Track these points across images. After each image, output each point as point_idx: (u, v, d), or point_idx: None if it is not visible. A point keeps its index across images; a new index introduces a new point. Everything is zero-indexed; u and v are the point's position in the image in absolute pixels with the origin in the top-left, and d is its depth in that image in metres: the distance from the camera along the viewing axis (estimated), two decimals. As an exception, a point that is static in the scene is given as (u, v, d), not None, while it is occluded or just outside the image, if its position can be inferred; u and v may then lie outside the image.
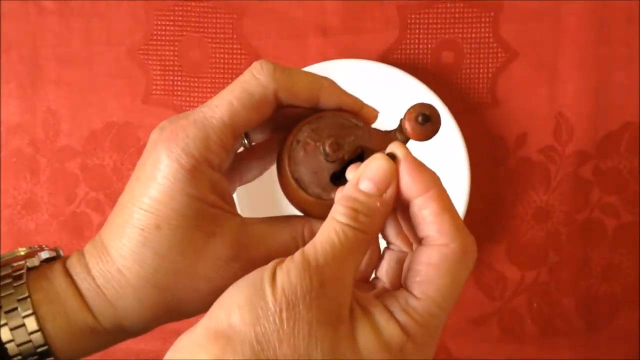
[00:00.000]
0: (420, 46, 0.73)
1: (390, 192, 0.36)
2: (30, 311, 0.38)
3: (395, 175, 0.36)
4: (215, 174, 0.40)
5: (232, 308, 0.33)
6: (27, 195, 0.75)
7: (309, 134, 0.41)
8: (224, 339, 0.33)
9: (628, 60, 0.71)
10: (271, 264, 0.34)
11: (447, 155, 0.69)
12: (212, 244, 0.39)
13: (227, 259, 0.40)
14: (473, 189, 0.68)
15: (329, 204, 0.39)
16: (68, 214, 0.75)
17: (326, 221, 0.36)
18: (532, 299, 0.72)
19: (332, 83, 0.42)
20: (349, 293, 0.34)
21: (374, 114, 0.43)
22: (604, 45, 0.71)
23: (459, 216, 0.36)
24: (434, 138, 0.68)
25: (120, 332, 0.41)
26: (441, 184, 0.37)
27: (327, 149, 0.40)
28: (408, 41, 0.73)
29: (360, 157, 0.41)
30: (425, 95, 0.69)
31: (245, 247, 0.40)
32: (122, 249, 0.39)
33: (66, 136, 0.75)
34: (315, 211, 0.41)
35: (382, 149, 0.39)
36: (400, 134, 0.39)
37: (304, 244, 0.40)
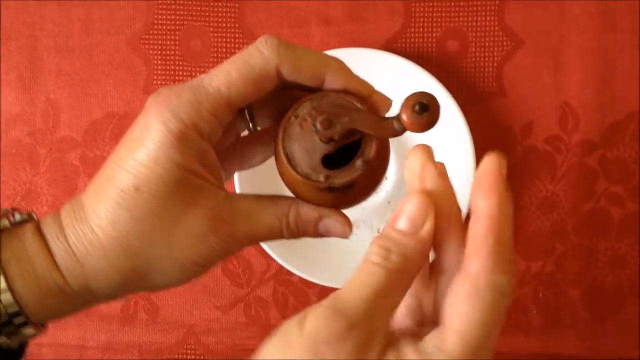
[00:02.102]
0: (425, 35, 0.72)
1: (427, 228, 0.35)
2: None
3: (431, 210, 0.35)
4: (203, 143, 0.38)
5: (264, 351, 0.33)
6: (26, 186, 0.74)
7: (308, 110, 0.39)
8: None
9: (633, 49, 0.70)
10: (306, 309, 0.33)
11: (453, 144, 0.69)
12: (191, 214, 0.38)
13: (204, 232, 0.39)
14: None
15: (317, 186, 0.38)
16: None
17: (361, 262, 0.34)
18: (537, 290, 0.72)
19: (340, 64, 0.40)
20: (379, 335, 0.33)
21: (386, 103, 0.41)
22: (609, 33, 0.70)
23: (503, 245, 0.33)
24: (437, 127, 0.67)
25: (89, 295, 0.39)
26: (499, 209, 0.34)
27: (318, 125, 0.38)
28: (413, 30, 0.72)
29: (357, 142, 0.39)
30: (430, 84, 0.68)
31: (226, 222, 0.39)
32: (98, 208, 0.38)
33: (66, 127, 0.74)
34: (303, 191, 0.40)
35: (376, 135, 0.38)
36: (397, 123, 0.37)
37: (289, 226, 0.40)
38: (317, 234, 0.41)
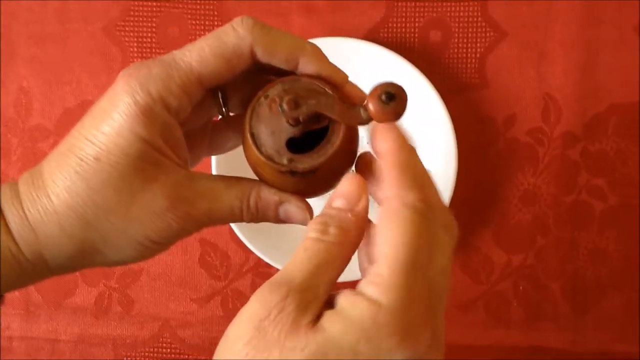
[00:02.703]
0: (407, 24, 0.71)
1: (362, 204, 0.36)
2: None
3: (364, 188, 0.36)
4: (170, 118, 0.38)
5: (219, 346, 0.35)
6: (-2, 177, 0.73)
7: (278, 92, 0.39)
8: None
9: (616, 42, 0.70)
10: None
11: (435, 136, 0.68)
12: (150, 189, 0.38)
13: (162, 208, 0.38)
14: (460, 171, 0.67)
15: (279, 169, 0.38)
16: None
17: (302, 240, 0.36)
18: (518, 283, 0.71)
19: (316, 48, 0.40)
20: (319, 300, 0.34)
21: (358, 94, 0.41)
22: (593, 26, 0.70)
23: (409, 170, 0.35)
24: (419, 118, 0.67)
25: (43, 265, 0.39)
26: (403, 146, 0.36)
27: (285, 105, 0.38)
28: (395, 19, 0.71)
29: (326, 130, 0.39)
30: (412, 74, 0.67)
31: (185, 201, 0.39)
32: (56, 175, 0.37)
33: (39, 115, 0.72)
34: (266, 173, 0.40)
35: (342, 121, 0.38)
36: (364, 112, 0.37)
37: (249, 208, 0.40)
38: (278, 218, 0.41)
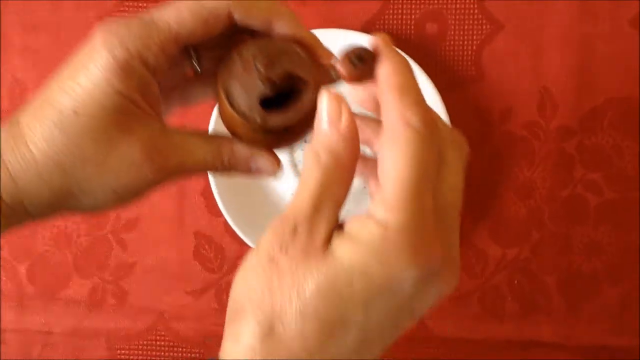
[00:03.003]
0: (404, 17, 0.71)
1: (345, 118, 0.36)
2: None
3: (343, 101, 0.37)
4: (147, 74, 0.39)
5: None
6: (-10, 168, 0.72)
7: (253, 51, 0.40)
8: None
9: (613, 35, 0.70)
10: None
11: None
12: (126, 141, 0.39)
13: (139, 160, 0.40)
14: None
15: (252, 126, 0.39)
16: (34, 187, 0.72)
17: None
18: (513, 277, 0.71)
19: (290, 12, 0.42)
20: (326, 224, 0.35)
21: (329, 56, 0.42)
22: (589, 20, 0.70)
23: (408, 92, 0.35)
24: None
25: (21, 211, 0.40)
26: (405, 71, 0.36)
27: (259, 64, 0.39)
28: (391, 11, 0.71)
29: (298, 91, 0.40)
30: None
31: (161, 153, 0.40)
32: (34, 126, 0.39)
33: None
34: (238, 130, 0.41)
35: (313, 81, 0.39)
36: (334, 72, 0.39)
37: (222, 165, 0.42)
38: (249, 171, 0.43)
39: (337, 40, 0.67)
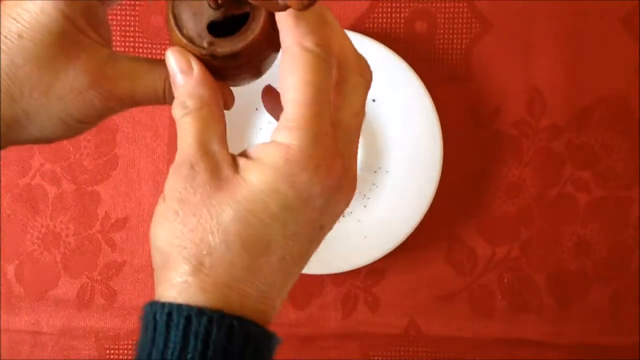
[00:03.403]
0: (393, 15, 0.70)
1: (195, 68, 0.39)
2: None
3: (185, 53, 0.39)
4: (94, 1, 0.39)
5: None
6: (-23, 167, 0.72)
7: None
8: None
9: (602, 34, 0.70)
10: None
11: (420, 127, 0.68)
12: (72, 67, 0.39)
13: (85, 86, 0.39)
14: (445, 162, 0.67)
15: (200, 51, 0.39)
16: (22, 186, 0.72)
17: None
18: (502, 275, 0.71)
19: None
20: (222, 157, 0.37)
21: None
22: (579, 18, 0.70)
23: (305, 17, 0.37)
24: (405, 108, 0.67)
25: None
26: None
27: None
28: (380, 9, 0.70)
29: (247, 15, 0.39)
30: (398, 65, 0.67)
31: (108, 79, 0.40)
32: None
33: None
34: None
35: (262, 5, 0.38)
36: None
37: (170, 90, 0.41)
38: None
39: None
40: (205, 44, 0.39)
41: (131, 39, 0.71)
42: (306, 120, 0.35)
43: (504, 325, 0.72)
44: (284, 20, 0.37)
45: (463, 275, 0.72)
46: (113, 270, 0.72)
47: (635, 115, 0.70)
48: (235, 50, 0.39)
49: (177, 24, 0.39)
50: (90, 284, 0.72)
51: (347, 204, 0.39)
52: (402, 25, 0.70)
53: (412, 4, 0.70)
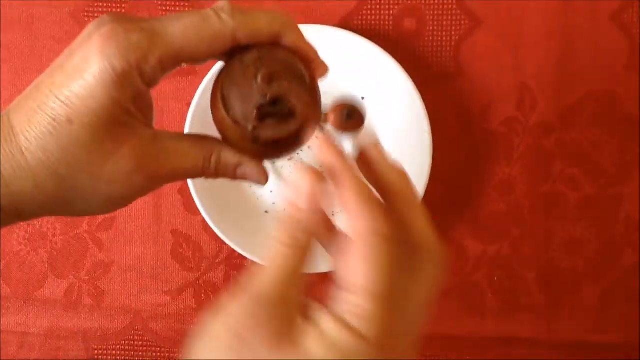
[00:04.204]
0: (382, 12, 0.70)
1: (316, 203, 0.38)
2: None
3: (305, 186, 0.38)
4: (143, 86, 0.39)
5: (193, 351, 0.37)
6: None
7: (255, 60, 0.40)
8: None
9: (592, 31, 0.70)
10: (224, 300, 0.36)
11: (409, 125, 0.67)
12: (119, 151, 0.39)
13: (132, 169, 0.40)
14: (435, 160, 0.66)
15: (244, 134, 0.40)
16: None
17: (269, 245, 0.38)
18: (493, 273, 0.71)
19: (293, 22, 0.42)
20: (293, 313, 0.36)
21: (324, 69, 0.44)
22: (569, 15, 0.70)
23: (369, 198, 0.37)
24: (395, 106, 0.67)
25: (13, 213, 0.40)
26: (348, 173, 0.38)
27: (260, 78, 0.40)
28: (369, 6, 0.70)
29: (287, 111, 0.41)
30: (387, 62, 0.67)
31: (152, 161, 0.41)
32: (29, 133, 0.38)
33: (6, 103, 0.69)
34: (230, 135, 0.41)
35: (305, 113, 0.40)
36: (323, 117, 0.42)
37: (210, 168, 0.43)
38: (234, 177, 0.43)
39: (316, 35, 0.66)
40: (250, 128, 0.40)
41: (118, 37, 0.70)
42: (380, 316, 0.35)
43: (496, 324, 0.71)
44: (347, 201, 0.37)
45: (454, 273, 0.71)
46: (100, 270, 0.72)
47: (624, 112, 0.70)
48: (277, 137, 0.40)
49: (225, 105, 0.40)
50: (77, 284, 0.72)
51: None
52: (391, 23, 0.70)
53: (400, 1, 0.70)
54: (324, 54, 0.67)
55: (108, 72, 0.37)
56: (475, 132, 0.70)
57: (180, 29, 0.39)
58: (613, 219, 0.71)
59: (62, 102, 0.38)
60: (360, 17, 0.70)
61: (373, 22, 0.70)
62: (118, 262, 0.72)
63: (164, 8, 0.70)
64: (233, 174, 0.43)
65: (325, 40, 0.67)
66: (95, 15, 0.70)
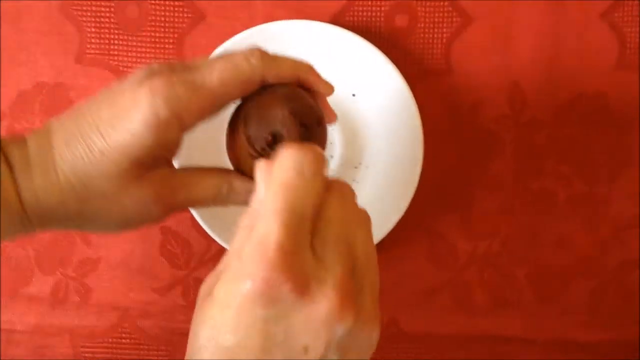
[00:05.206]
0: (373, 8, 0.70)
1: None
2: None
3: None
4: (180, 132, 0.44)
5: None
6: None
7: (279, 97, 0.44)
8: None
9: (583, 29, 0.70)
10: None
11: (400, 122, 0.67)
12: (140, 184, 0.44)
13: (150, 200, 0.45)
14: (426, 157, 0.66)
15: (251, 151, 0.44)
16: (-6, 182, 0.70)
17: None
18: (483, 270, 0.71)
19: (312, 67, 0.47)
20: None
21: (333, 117, 0.50)
22: (560, 13, 0.70)
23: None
24: (386, 105, 0.66)
25: (35, 222, 0.45)
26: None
27: (284, 112, 0.44)
28: (360, 3, 0.69)
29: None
30: (378, 59, 0.66)
31: (169, 193, 0.46)
32: (65, 155, 0.43)
33: (-6, 98, 0.70)
34: (243, 158, 0.45)
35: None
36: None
37: (221, 196, 0.47)
38: (247, 203, 0.45)
39: (307, 32, 0.66)
40: (258, 148, 0.44)
41: (106, 31, 0.69)
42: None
43: (486, 321, 0.71)
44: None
45: (444, 270, 0.71)
46: (88, 267, 0.71)
47: (614, 110, 0.70)
48: None
49: (246, 135, 0.44)
50: (64, 281, 0.71)
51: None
52: (382, 19, 0.70)
53: (392, -2, 0.70)
54: (316, 51, 0.67)
55: (152, 121, 0.42)
56: (466, 129, 0.70)
57: (217, 77, 0.43)
58: (603, 216, 0.71)
59: (102, 135, 0.42)
60: (351, 14, 0.70)
61: (364, 19, 0.70)
62: (106, 258, 0.71)
63: (153, 1, 0.69)
64: (244, 200, 0.45)
65: (316, 36, 0.67)
66: (84, 8, 0.69)
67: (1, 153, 0.44)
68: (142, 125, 0.42)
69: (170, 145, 0.44)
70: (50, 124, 0.45)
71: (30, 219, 0.44)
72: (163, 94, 0.42)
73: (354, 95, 0.69)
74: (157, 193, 0.45)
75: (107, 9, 0.69)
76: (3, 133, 0.69)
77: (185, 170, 0.47)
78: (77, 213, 0.44)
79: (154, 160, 0.44)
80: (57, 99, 0.69)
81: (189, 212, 0.67)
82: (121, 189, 0.44)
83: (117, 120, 0.42)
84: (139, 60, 0.69)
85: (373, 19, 0.70)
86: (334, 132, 0.69)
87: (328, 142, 0.49)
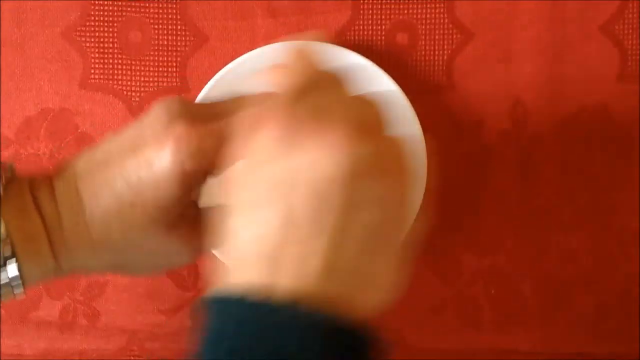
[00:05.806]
0: (374, 27, 0.70)
1: None
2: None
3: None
4: (204, 180, 0.44)
5: None
6: (-44, 188, 0.70)
7: None
8: None
9: (583, 42, 0.70)
10: None
11: (403, 139, 0.67)
12: (170, 233, 0.44)
13: (179, 247, 0.46)
14: (429, 174, 0.66)
15: None
16: None
17: None
18: (488, 285, 0.71)
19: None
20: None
21: None
22: (559, 27, 0.70)
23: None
24: (389, 122, 0.67)
25: (69, 271, 0.46)
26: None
27: None
28: (361, 22, 0.70)
29: None
30: (380, 77, 0.67)
31: (197, 237, 0.46)
32: (96, 209, 0.43)
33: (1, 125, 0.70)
34: None
35: None
36: None
37: None
38: None
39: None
40: None
41: (110, 56, 0.70)
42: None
43: (492, 336, 0.71)
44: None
45: (449, 285, 0.71)
46: (96, 291, 0.71)
47: (617, 123, 0.70)
48: None
49: None
50: (72, 305, 0.71)
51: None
52: (383, 37, 0.70)
53: (393, 16, 0.70)
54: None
55: (178, 171, 0.41)
56: (469, 145, 0.71)
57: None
58: (608, 229, 0.71)
59: (128, 186, 0.42)
60: (352, 32, 0.70)
61: (366, 37, 0.70)
62: (113, 282, 0.71)
63: (155, 25, 0.70)
64: None
65: (318, 55, 0.67)
66: (87, 34, 0.69)
67: (34, 203, 0.43)
68: (167, 177, 0.41)
69: (196, 193, 0.45)
70: (74, 170, 0.45)
71: (64, 270, 0.45)
72: (189, 148, 0.41)
73: (356, 113, 0.69)
74: (186, 241, 0.46)
75: (110, 35, 0.70)
76: (10, 159, 0.70)
77: (209, 212, 0.47)
78: (110, 263, 0.46)
79: (182, 209, 0.44)
80: (62, 125, 0.70)
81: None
82: (153, 237, 0.44)
83: (143, 170, 0.42)
84: (143, 84, 0.70)
85: (374, 37, 0.70)
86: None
87: None
